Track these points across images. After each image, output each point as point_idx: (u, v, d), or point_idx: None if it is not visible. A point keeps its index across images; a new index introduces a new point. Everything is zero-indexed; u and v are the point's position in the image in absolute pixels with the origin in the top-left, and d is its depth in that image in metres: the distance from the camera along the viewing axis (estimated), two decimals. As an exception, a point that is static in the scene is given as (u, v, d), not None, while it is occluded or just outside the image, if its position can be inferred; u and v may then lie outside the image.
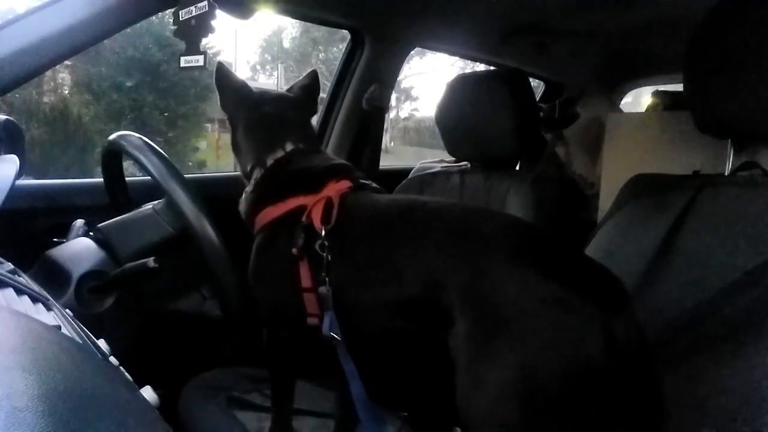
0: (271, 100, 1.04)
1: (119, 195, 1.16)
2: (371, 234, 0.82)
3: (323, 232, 0.81)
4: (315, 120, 1.59)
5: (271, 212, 0.91)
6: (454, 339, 0.68)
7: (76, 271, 0.95)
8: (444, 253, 0.73)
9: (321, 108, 1.74)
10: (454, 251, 0.72)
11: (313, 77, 1.10)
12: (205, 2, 0.96)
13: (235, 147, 1.05)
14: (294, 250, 0.83)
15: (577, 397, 0.61)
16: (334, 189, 0.87)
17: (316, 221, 0.83)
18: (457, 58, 3.13)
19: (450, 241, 0.74)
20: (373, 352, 0.87)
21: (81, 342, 0.47)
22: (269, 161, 0.96)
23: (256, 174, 0.97)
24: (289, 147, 0.97)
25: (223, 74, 1.03)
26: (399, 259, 0.76)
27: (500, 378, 0.63)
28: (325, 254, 0.80)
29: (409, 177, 1.46)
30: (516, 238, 0.73)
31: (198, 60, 1.00)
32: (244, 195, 0.99)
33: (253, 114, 1.02)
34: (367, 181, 0.94)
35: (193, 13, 0.98)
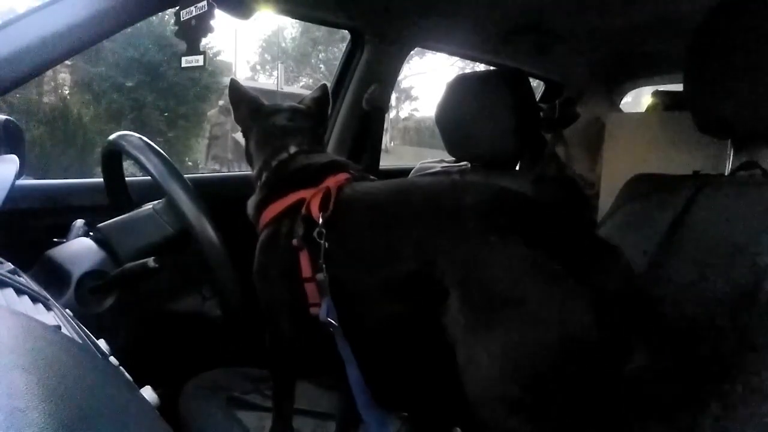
0: (281, 112, 1.07)
1: (119, 195, 1.16)
2: (365, 217, 0.85)
3: (320, 220, 0.83)
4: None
5: (274, 209, 0.93)
6: (449, 314, 0.69)
7: (76, 271, 0.95)
8: (433, 228, 0.75)
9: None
10: (442, 226, 0.74)
11: (323, 90, 1.13)
12: (205, 2, 0.96)
13: (249, 157, 1.10)
14: (295, 242, 0.85)
15: (573, 368, 0.61)
16: (333, 181, 0.89)
17: (314, 210, 0.85)
18: (457, 58, 3.13)
19: (438, 216, 0.76)
20: (370, 337, 0.87)
21: (81, 342, 0.47)
22: (274, 163, 0.99)
23: (263, 177, 1.01)
24: (292, 149, 1.00)
25: (236, 90, 1.08)
26: (392, 239, 0.78)
27: (493, 352, 0.63)
28: (322, 241, 0.82)
29: (409, 177, 1.46)
30: (503, 208, 0.74)
31: (198, 60, 1.01)
32: (251, 199, 1.01)
33: (264, 125, 1.06)
34: (365, 174, 0.96)
35: (193, 14, 0.98)
